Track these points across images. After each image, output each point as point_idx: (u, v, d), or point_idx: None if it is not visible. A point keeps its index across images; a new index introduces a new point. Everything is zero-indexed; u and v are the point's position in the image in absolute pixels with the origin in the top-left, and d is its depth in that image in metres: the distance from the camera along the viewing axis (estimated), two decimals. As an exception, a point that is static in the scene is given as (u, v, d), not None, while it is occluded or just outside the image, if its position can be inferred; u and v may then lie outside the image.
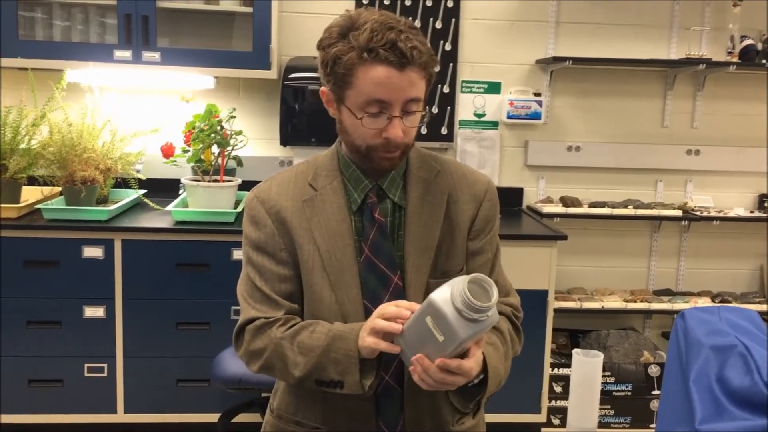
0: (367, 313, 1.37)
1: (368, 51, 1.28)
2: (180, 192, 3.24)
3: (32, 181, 3.02)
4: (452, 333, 1.18)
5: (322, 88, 1.40)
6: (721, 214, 3.53)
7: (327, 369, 1.33)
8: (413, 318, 1.24)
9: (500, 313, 1.47)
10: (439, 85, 3.51)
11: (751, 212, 3.64)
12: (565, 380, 3.29)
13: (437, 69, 1.44)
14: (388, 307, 1.28)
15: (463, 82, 3.54)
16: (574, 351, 1.32)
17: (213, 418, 2.79)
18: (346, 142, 1.41)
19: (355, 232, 1.41)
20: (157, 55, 3.06)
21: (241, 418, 2.77)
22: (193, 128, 2.90)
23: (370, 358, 1.31)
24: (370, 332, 1.28)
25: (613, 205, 3.52)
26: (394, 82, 1.29)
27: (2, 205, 2.85)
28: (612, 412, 3.35)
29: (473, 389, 1.35)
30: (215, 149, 2.94)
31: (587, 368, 1.31)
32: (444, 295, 1.19)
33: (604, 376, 3.30)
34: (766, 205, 3.66)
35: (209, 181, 2.95)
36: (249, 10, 3.13)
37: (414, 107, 1.34)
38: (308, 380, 1.36)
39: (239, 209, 2.98)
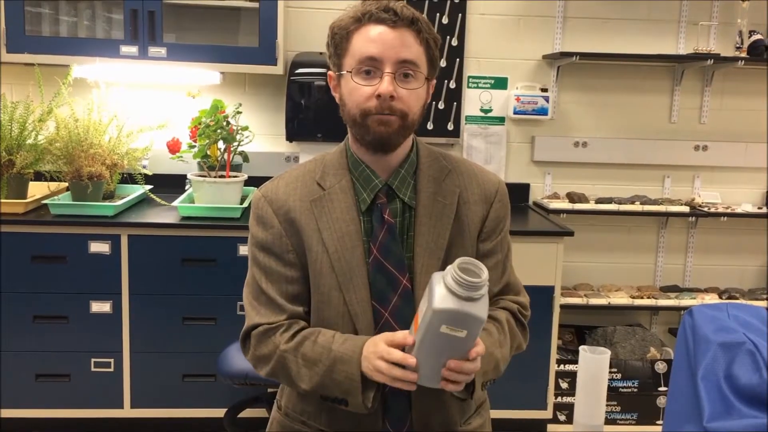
0: (376, 315, 1.37)
1: (363, 14, 1.34)
2: (186, 187, 3.25)
3: (39, 177, 3.04)
4: (473, 320, 1.18)
5: (329, 72, 1.42)
6: (728, 210, 3.51)
7: (330, 388, 1.34)
8: (420, 339, 1.22)
9: (505, 308, 1.48)
10: (446, 81, 3.50)
11: (759, 208, 3.61)
12: (571, 376, 3.29)
13: (440, 52, 1.44)
14: (396, 336, 1.27)
15: (469, 77, 3.53)
16: (581, 348, 1.32)
17: (219, 413, 2.79)
18: (345, 117, 1.40)
19: (364, 233, 1.40)
20: (163, 51, 3.06)
21: (248, 413, 2.77)
22: (200, 124, 2.90)
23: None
24: (380, 359, 1.26)
25: (620, 201, 3.51)
26: (386, 38, 1.32)
27: (9, 201, 2.87)
28: (618, 409, 3.34)
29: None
30: (221, 145, 2.94)
31: (594, 365, 1.31)
32: (443, 298, 1.17)
33: (610, 372, 3.28)
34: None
35: (215, 177, 2.95)
36: (255, 5, 3.13)
37: (410, 70, 1.34)
38: (314, 394, 1.37)
39: (245, 205, 2.98)
